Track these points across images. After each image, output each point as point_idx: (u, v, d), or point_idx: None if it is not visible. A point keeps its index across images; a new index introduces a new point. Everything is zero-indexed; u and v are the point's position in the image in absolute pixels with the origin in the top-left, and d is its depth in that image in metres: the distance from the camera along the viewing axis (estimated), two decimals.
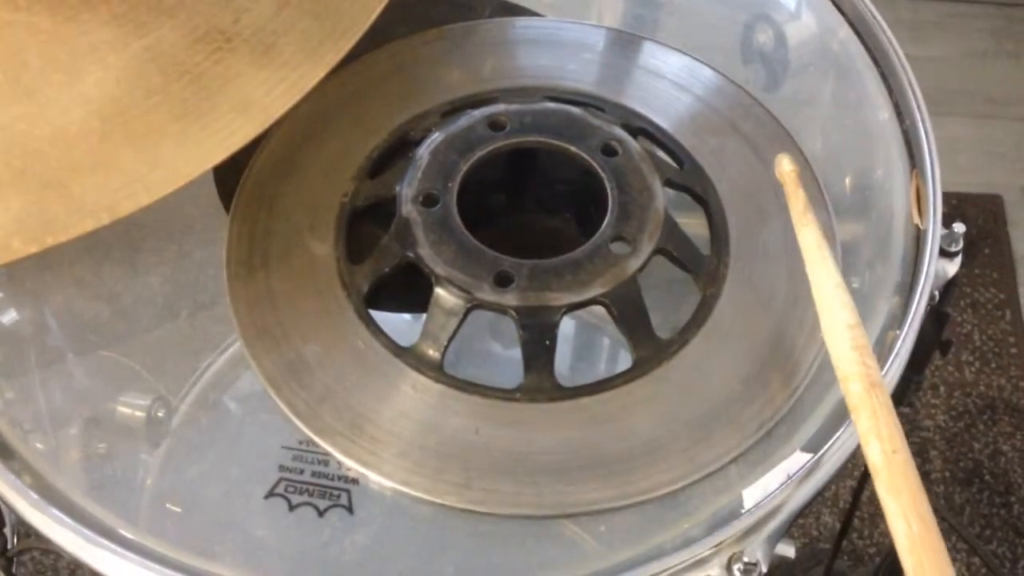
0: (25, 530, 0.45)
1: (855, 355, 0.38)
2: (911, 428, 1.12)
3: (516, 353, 0.60)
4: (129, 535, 0.39)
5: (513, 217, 0.50)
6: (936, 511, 0.34)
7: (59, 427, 0.45)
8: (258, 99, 0.44)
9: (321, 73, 0.44)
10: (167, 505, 0.41)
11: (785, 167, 0.45)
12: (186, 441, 0.43)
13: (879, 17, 0.54)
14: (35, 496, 0.39)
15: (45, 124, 0.42)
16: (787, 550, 0.40)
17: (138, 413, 0.47)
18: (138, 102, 0.43)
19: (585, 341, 0.67)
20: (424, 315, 0.43)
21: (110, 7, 0.44)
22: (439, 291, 0.43)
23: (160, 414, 0.46)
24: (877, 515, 1.05)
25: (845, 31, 0.55)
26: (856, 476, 0.80)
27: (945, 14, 1.43)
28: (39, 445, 0.43)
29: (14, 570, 0.47)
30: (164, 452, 0.43)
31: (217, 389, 0.47)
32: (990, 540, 1.08)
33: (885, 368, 0.42)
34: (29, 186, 0.41)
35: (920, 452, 1.12)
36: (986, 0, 1.43)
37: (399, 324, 0.46)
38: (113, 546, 0.38)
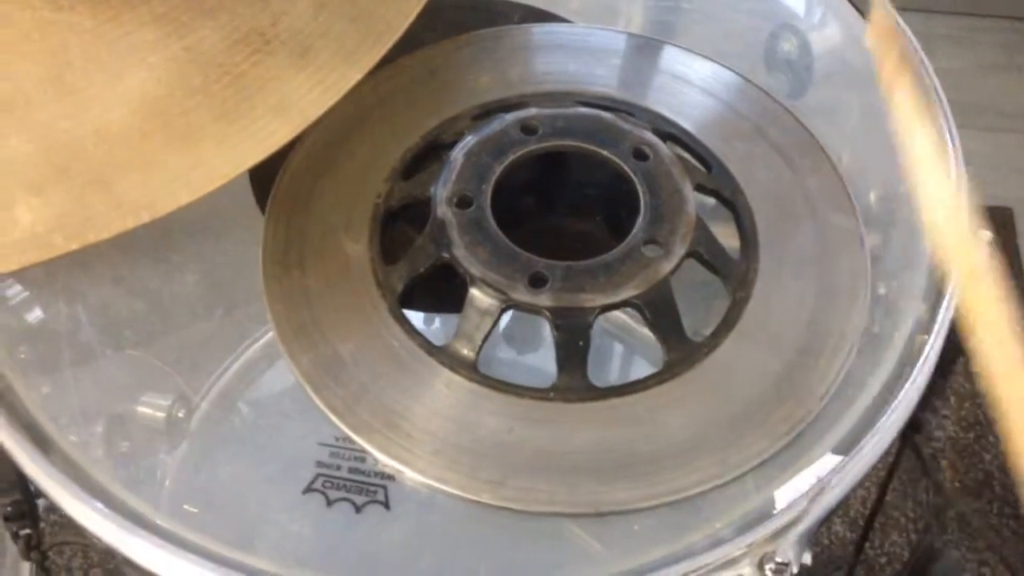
0: (60, 523, 0.46)
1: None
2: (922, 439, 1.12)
3: (529, 359, 0.61)
4: (169, 527, 0.39)
5: (543, 219, 0.51)
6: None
7: (95, 422, 0.46)
8: (295, 101, 0.44)
9: (357, 76, 0.45)
10: (205, 499, 0.41)
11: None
12: (223, 436, 0.43)
13: (906, 28, 0.55)
14: (77, 488, 0.39)
15: (87, 122, 0.42)
16: (805, 556, 0.41)
17: (173, 412, 0.48)
18: (178, 102, 0.43)
19: (597, 346, 0.68)
20: (452, 315, 0.44)
21: (151, 8, 0.44)
22: (474, 291, 0.43)
23: (191, 408, 0.46)
24: (888, 525, 1.06)
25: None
26: (866, 486, 0.80)
27: (957, 27, 1.43)
28: (76, 439, 0.43)
29: (47, 564, 0.48)
30: (202, 446, 0.43)
31: (253, 385, 0.47)
32: (1000, 551, 1.08)
33: (915, 371, 0.43)
34: (71, 183, 0.41)
35: (930, 463, 1.12)
36: (998, 14, 1.43)
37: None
38: (154, 538, 0.38)
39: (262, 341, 0.50)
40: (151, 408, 0.49)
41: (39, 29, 0.44)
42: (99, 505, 0.39)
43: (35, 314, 0.49)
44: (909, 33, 0.55)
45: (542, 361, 0.59)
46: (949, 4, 1.39)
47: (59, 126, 0.42)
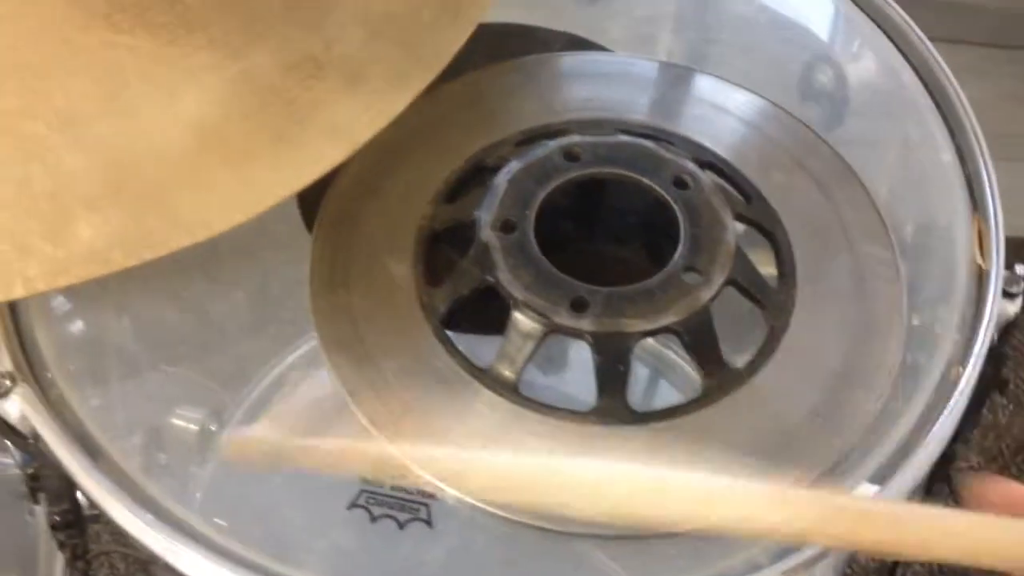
0: (106, 533, 0.47)
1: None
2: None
3: (555, 382, 0.62)
4: (218, 539, 0.40)
5: (582, 245, 0.52)
6: None
7: (141, 434, 0.47)
8: (346, 125, 0.45)
9: (406, 101, 0.46)
10: (251, 511, 0.42)
11: None
12: None
13: (942, 61, 0.56)
14: (128, 498, 0.40)
15: (144, 141, 0.44)
16: None
17: (210, 426, 0.49)
18: (233, 124, 0.44)
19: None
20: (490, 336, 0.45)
21: (207, 33, 0.46)
22: (517, 315, 0.44)
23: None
24: None
25: (908, 74, 0.57)
26: None
27: (979, 58, 1.43)
28: (125, 450, 0.44)
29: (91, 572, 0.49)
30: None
31: (295, 401, 0.48)
32: None
33: (951, 403, 0.43)
34: (129, 201, 0.42)
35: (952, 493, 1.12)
36: (1019, 45, 1.44)
37: None
38: (203, 550, 0.39)
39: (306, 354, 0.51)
40: (193, 424, 0.51)
41: (98, 50, 0.45)
42: (150, 516, 0.40)
43: (85, 326, 0.50)
44: (942, 63, 0.56)
45: (570, 384, 0.59)
46: (973, 34, 1.40)
47: (117, 144, 0.43)
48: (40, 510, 0.51)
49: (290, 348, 0.54)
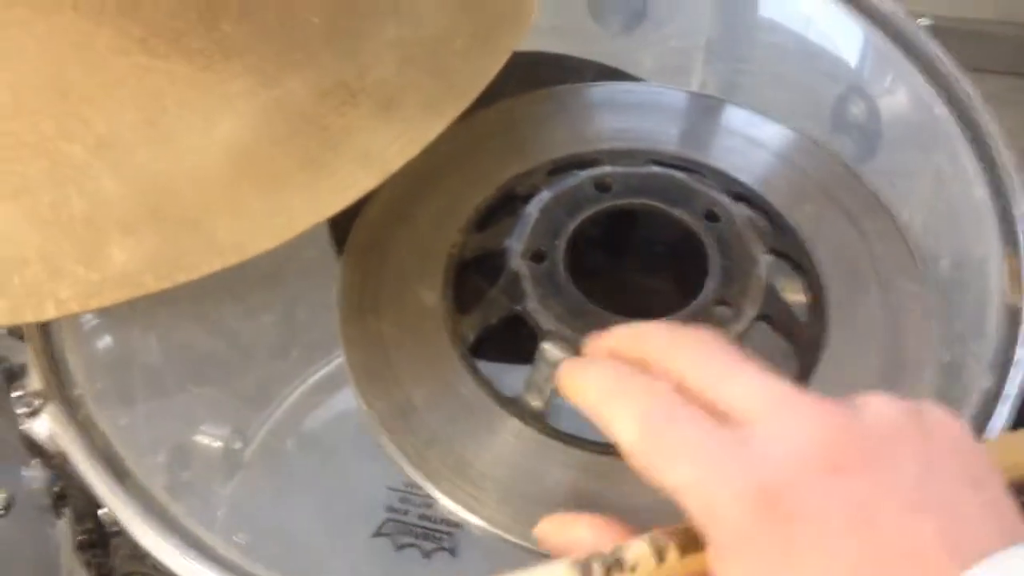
0: (129, 552, 0.47)
1: None
2: None
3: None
4: (242, 563, 0.40)
5: (612, 274, 0.52)
6: None
7: (169, 452, 0.47)
8: (378, 152, 0.45)
9: (439, 129, 0.46)
10: (276, 536, 0.42)
11: None
12: (295, 475, 0.44)
13: (974, 94, 0.56)
14: (154, 520, 0.41)
15: (180, 166, 0.44)
16: None
17: (236, 446, 0.49)
18: (266, 149, 0.45)
19: None
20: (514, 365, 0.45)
21: (243, 60, 0.46)
22: (545, 345, 0.44)
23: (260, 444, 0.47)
24: None
25: (940, 107, 0.56)
26: None
27: (1007, 88, 1.43)
28: (151, 468, 0.45)
29: None
30: (272, 487, 0.44)
31: (323, 426, 0.48)
32: None
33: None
34: (163, 225, 0.43)
35: None
36: None
37: None
38: (226, 574, 0.39)
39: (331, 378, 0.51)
40: (217, 441, 0.51)
41: (135, 75, 0.45)
42: (176, 540, 0.40)
43: (114, 346, 0.51)
44: (975, 96, 0.56)
45: None
46: (999, 64, 1.39)
47: (153, 169, 0.44)
48: (63, 524, 0.51)
49: (315, 368, 0.54)
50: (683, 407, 0.32)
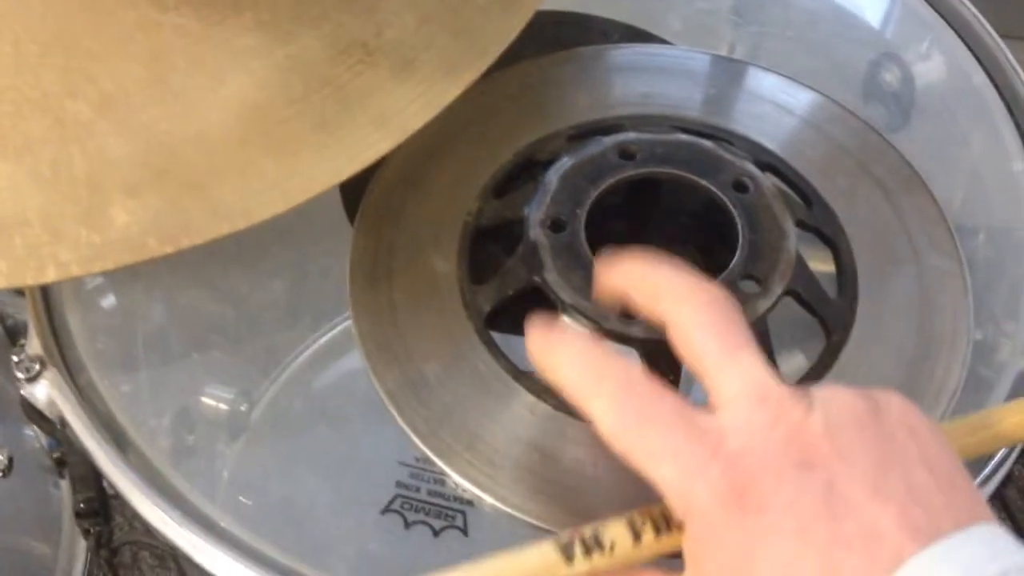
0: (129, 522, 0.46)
1: None
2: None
3: None
4: (246, 538, 0.39)
5: (633, 246, 0.50)
6: None
7: (174, 415, 0.46)
8: (395, 114, 0.44)
9: (457, 91, 0.44)
10: (284, 515, 0.41)
11: None
12: (302, 445, 0.43)
13: (1016, 65, 0.53)
14: (153, 492, 0.39)
15: (187, 126, 0.42)
16: None
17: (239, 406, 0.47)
18: (279, 110, 0.43)
19: None
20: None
21: (256, 14, 0.44)
22: (565, 319, 0.42)
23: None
24: None
25: (979, 76, 0.54)
26: None
27: None
28: (154, 432, 0.43)
29: (116, 560, 0.48)
30: (281, 458, 0.43)
31: (334, 398, 0.47)
32: None
33: None
34: (168, 187, 0.41)
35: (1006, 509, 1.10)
36: None
37: None
38: (228, 548, 0.38)
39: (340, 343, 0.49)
40: (223, 403, 0.49)
41: (143, 30, 0.44)
42: (176, 513, 0.39)
43: (117, 310, 0.49)
44: (1016, 65, 0.54)
45: None
46: None
47: (159, 128, 0.42)
48: (65, 484, 0.50)
49: (323, 332, 0.52)
50: (658, 400, 0.34)
